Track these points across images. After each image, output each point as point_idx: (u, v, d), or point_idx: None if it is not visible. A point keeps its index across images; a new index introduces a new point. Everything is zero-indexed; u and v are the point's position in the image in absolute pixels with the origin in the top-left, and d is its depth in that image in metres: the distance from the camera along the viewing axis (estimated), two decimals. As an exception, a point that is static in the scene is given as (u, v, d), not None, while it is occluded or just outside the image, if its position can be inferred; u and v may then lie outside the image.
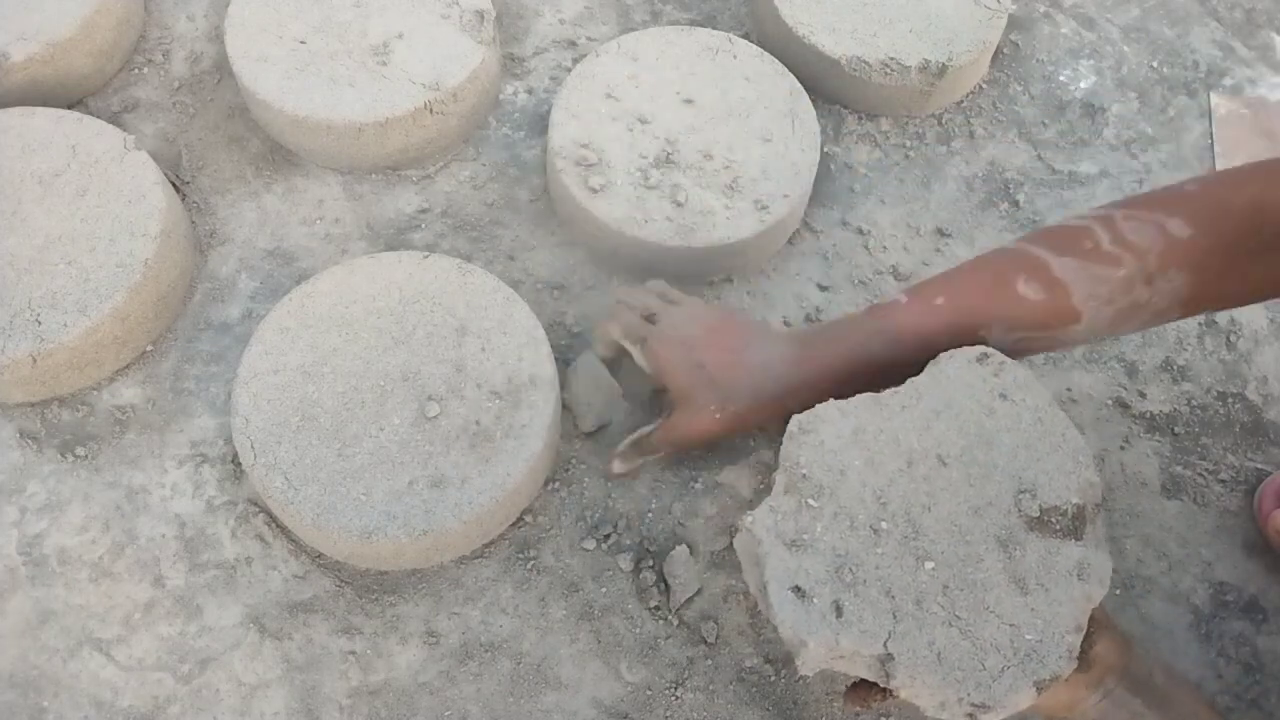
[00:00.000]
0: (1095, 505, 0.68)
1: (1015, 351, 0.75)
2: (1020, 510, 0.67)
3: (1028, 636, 0.63)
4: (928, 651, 0.63)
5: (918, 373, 0.73)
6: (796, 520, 0.66)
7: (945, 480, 0.68)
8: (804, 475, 0.68)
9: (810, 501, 0.67)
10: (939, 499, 0.67)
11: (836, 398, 0.72)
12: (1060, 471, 0.69)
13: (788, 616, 0.64)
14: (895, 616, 0.64)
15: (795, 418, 0.70)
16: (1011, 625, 0.64)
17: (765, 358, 0.79)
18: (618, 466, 0.91)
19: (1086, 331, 0.74)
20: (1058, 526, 0.67)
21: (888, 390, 0.72)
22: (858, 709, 0.72)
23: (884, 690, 0.68)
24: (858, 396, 0.72)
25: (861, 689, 0.71)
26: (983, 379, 0.72)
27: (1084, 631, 0.64)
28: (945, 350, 0.73)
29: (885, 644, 0.63)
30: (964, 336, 0.74)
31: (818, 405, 0.71)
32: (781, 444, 0.70)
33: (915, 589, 0.64)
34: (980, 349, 0.73)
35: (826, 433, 0.69)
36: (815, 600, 0.64)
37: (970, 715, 0.62)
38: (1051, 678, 0.62)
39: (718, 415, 0.81)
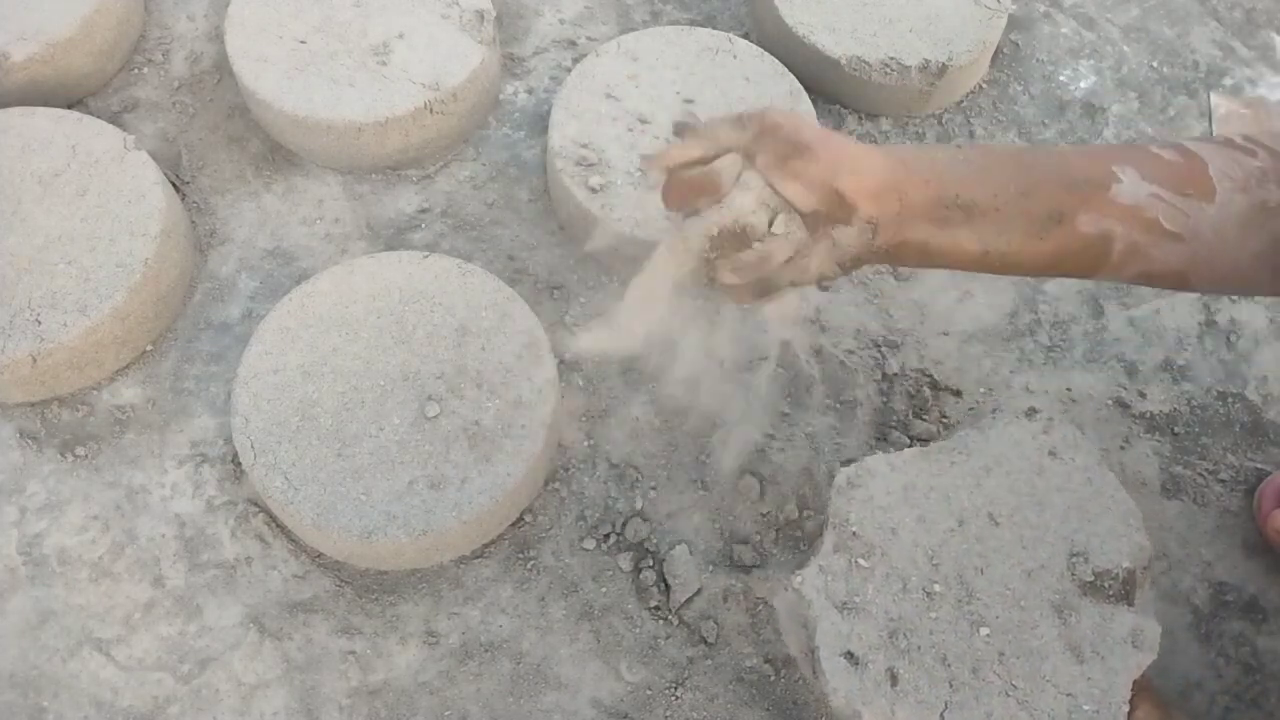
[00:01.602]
0: (1144, 569, 0.67)
1: (1142, 228, 0.66)
2: (1074, 574, 0.66)
3: (1085, 707, 0.62)
4: None
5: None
6: (848, 581, 0.64)
7: (998, 541, 0.66)
8: (854, 533, 0.66)
9: (861, 561, 0.65)
10: (992, 560, 0.66)
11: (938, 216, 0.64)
12: (1111, 534, 0.68)
13: (841, 684, 0.61)
14: (951, 686, 0.62)
15: (843, 471, 0.67)
16: (1069, 695, 0.62)
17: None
18: (729, 277, 0.67)
19: (1218, 220, 0.66)
20: (1110, 591, 0.66)
21: (934, 444, 0.70)
22: None
23: None
24: (906, 451, 0.69)
25: None
26: (1032, 435, 0.70)
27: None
28: (1070, 174, 0.65)
29: (942, 715, 0.61)
30: (1095, 168, 0.66)
31: (866, 459, 0.68)
32: (830, 499, 0.68)
33: (971, 656, 0.63)
34: (1028, 409, 0.70)
35: (876, 488, 0.67)
36: (869, 667, 0.62)
37: None
38: None
39: (879, 166, 0.64)
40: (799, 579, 0.65)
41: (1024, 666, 0.63)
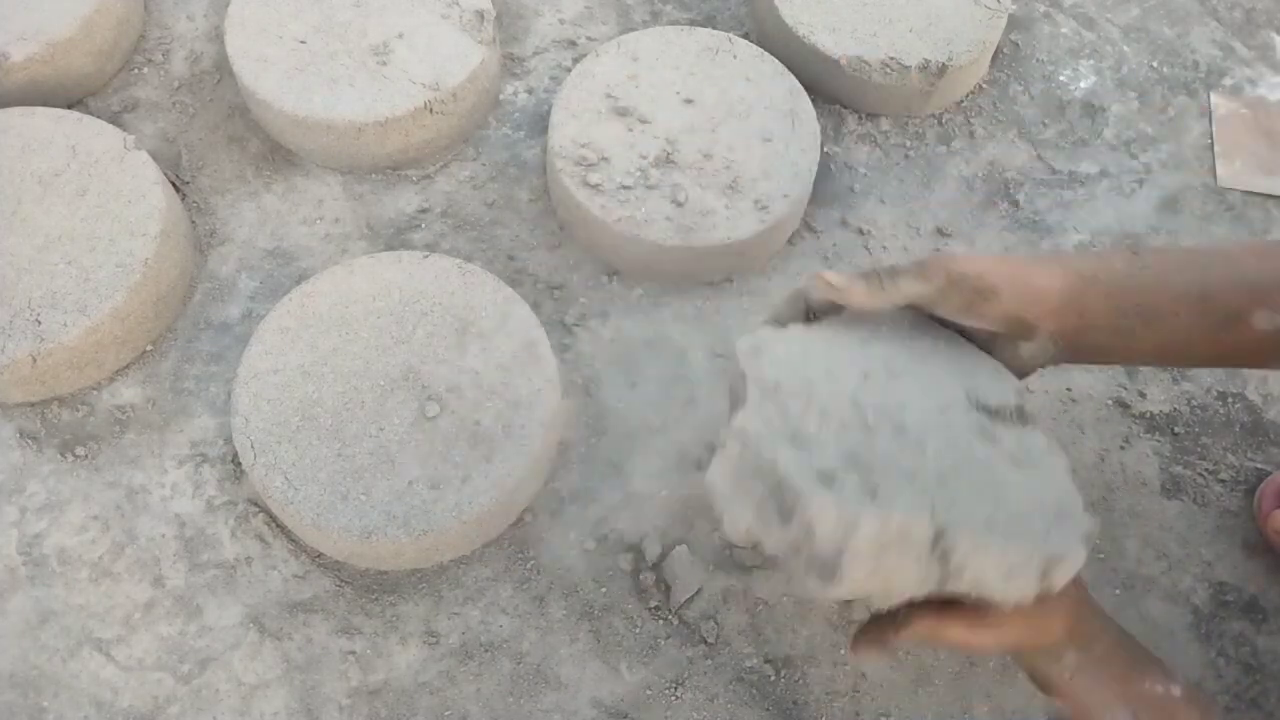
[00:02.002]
0: (1029, 408, 0.69)
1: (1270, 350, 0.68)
2: (979, 407, 0.67)
3: (1048, 498, 0.63)
4: (976, 519, 0.59)
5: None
6: (786, 421, 0.62)
7: (903, 387, 0.67)
8: (776, 384, 0.64)
9: (791, 404, 0.64)
10: (906, 401, 0.66)
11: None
12: (993, 380, 0.69)
13: (828, 504, 0.57)
14: (928, 494, 0.60)
15: (742, 340, 0.67)
16: (1030, 495, 0.62)
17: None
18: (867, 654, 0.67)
19: None
20: (1014, 418, 0.67)
21: (815, 324, 0.70)
22: (871, 655, 0.67)
23: (898, 625, 0.65)
24: (792, 326, 0.69)
25: (871, 630, 0.67)
26: (893, 315, 0.71)
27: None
28: (1246, 273, 0.67)
29: (933, 512, 0.58)
30: (1265, 267, 0.68)
31: (759, 330, 0.68)
32: (739, 362, 0.66)
33: (931, 469, 0.62)
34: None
35: (779, 352, 0.67)
36: (846, 484, 0.59)
37: (1044, 574, 0.59)
38: (1089, 533, 0.61)
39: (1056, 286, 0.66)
40: (739, 421, 0.62)
41: (981, 475, 0.63)
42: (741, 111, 1.07)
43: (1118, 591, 0.93)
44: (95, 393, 0.97)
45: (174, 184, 1.07)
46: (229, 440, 0.94)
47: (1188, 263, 0.69)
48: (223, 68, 1.16)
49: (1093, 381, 1.04)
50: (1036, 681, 0.69)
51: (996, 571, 0.59)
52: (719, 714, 0.86)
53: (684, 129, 1.06)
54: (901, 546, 0.58)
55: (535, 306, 0.99)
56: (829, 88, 1.17)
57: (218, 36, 1.17)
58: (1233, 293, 0.67)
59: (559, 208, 1.08)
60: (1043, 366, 0.70)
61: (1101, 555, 0.95)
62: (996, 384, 0.70)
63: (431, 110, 1.06)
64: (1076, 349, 0.69)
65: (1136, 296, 0.67)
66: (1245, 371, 1.06)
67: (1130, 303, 0.67)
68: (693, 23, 1.24)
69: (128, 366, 0.99)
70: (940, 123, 1.19)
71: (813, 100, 1.10)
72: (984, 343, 0.71)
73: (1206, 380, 1.05)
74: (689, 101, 1.08)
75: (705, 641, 0.88)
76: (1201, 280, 0.68)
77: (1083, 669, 0.66)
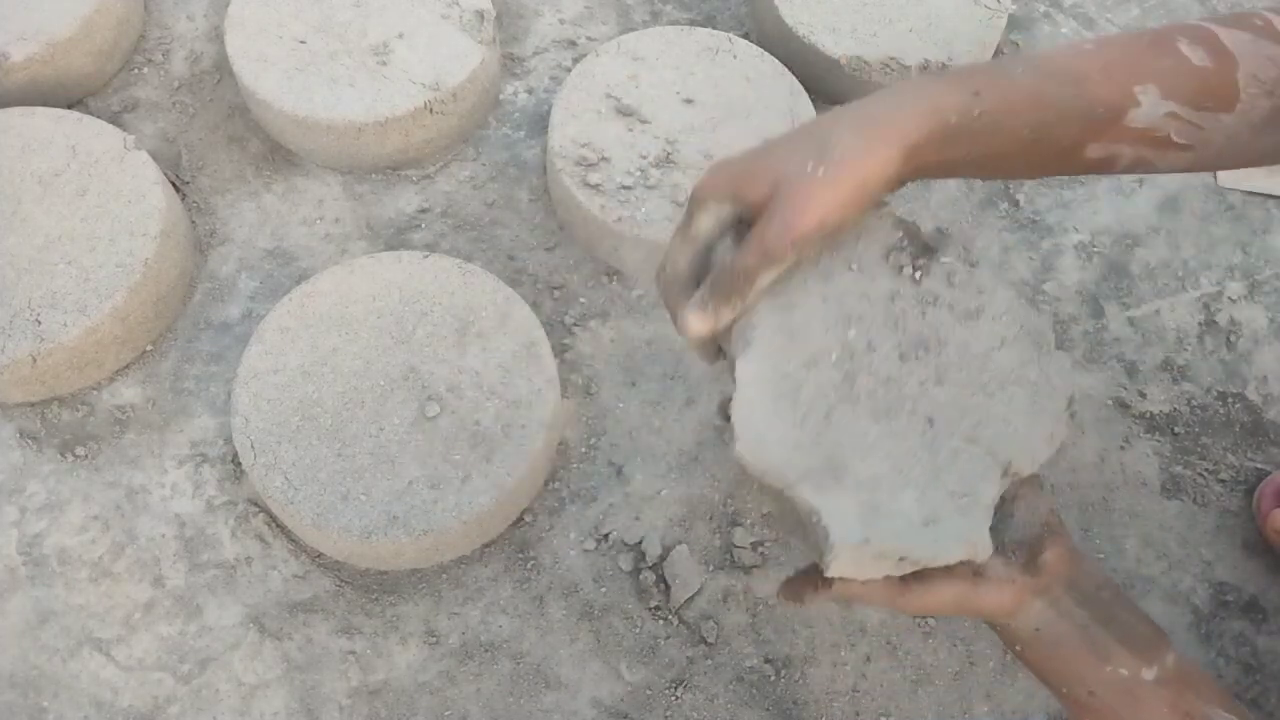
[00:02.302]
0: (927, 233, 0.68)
1: (1151, 145, 0.66)
2: (901, 271, 0.67)
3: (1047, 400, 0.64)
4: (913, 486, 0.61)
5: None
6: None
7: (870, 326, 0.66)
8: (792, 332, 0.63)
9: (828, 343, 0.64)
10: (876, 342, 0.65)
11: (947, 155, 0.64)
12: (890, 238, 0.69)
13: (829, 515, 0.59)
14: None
15: (737, 326, 0.63)
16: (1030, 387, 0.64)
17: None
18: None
19: (1233, 128, 0.65)
20: (929, 257, 0.68)
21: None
22: (795, 600, 0.67)
23: (820, 585, 0.65)
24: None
25: (797, 581, 0.67)
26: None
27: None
28: (1087, 105, 0.64)
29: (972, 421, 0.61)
30: (1115, 92, 0.65)
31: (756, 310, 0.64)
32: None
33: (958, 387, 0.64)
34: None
35: (773, 323, 0.65)
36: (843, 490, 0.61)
37: (974, 544, 0.60)
38: (1070, 405, 0.62)
39: (821, 171, 0.59)
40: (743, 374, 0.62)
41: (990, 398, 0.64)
42: (741, 111, 1.07)
43: (1118, 591, 0.93)
44: (95, 393, 0.97)
45: (174, 184, 1.07)
46: (229, 440, 0.94)
47: (1027, 101, 0.65)
48: (223, 68, 1.16)
49: (1093, 382, 1.04)
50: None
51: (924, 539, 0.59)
52: (719, 714, 0.86)
53: (684, 129, 1.06)
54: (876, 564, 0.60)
55: (535, 306, 0.99)
56: (829, 88, 1.17)
57: (218, 36, 1.17)
58: (1068, 129, 0.65)
59: (559, 208, 1.08)
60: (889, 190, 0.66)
61: (1101, 555, 0.95)
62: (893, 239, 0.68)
63: (431, 110, 1.06)
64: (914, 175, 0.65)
65: (968, 145, 0.64)
66: (1245, 371, 1.06)
67: (960, 151, 0.64)
68: (693, 23, 1.24)
69: (128, 366, 0.99)
70: (940, 123, 1.19)
71: (813, 100, 1.10)
72: None
73: (1206, 380, 1.05)
74: (689, 101, 1.08)
75: (705, 641, 0.88)
76: (1037, 121, 0.64)
77: (1032, 646, 0.65)
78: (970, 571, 0.61)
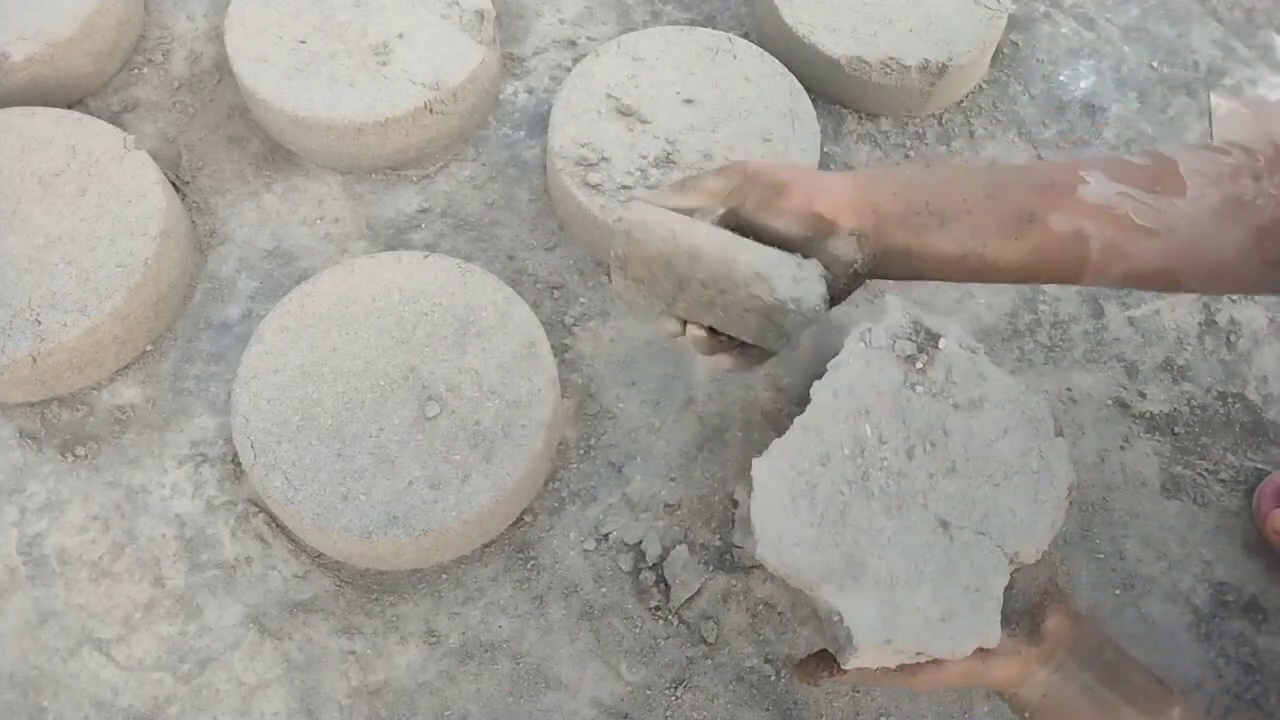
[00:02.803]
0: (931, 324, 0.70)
1: (1114, 224, 0.69)
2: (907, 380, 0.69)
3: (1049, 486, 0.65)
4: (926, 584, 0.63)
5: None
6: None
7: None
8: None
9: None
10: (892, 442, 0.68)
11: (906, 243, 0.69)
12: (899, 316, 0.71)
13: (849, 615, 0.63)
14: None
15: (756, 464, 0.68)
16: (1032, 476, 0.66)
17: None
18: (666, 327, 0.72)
19: (1192, 214, 0.68)
20: (930, 348, 0.70)
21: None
22: (808, 682, 0.72)
23: (834, 669, 0.68)
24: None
25: (811, 664, 0.71)
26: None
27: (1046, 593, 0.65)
28: (1037, 177, 0.69)
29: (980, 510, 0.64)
30: (1063, 172, 0.70)
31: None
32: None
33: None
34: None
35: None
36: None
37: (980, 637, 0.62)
38: (1055, 520, 0.63)
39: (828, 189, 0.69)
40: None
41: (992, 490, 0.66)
42: (741, 111, 1.07)
43: (1118, 591, 0.93)
44: (95, 393, 0.97)
45: (174, 184, 1.07)
46: (229, 440, 0.94)
47: (978, 169, 0.72)
48: (223, 68, 1.16)
49: (1093, 382, 1.04)
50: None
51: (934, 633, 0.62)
52: (719, 714, 0.86)
53: (684, 129, 1.06)
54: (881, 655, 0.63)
55: (535, 306, 0.99)
56: (829, 88, 1.17)
57: (218, 36, 1.17)
58: (1023, 193, 0.69)
59: (559, 208, 1.08)
60: (861, 272, 0.71)
61: (1101, 555, 0.95)
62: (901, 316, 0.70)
63: (431, 110, 1.06)
64: (886, 253, 0.70)
65: (925, 194, 0.69)
66: (1245, 371, 1.06)
67: (920, 200, 0.69)
68: (693, 23, 1.24)
69: (128, 366, 0.99)
70: (940, 123, 1.19)
71: (813, 100, 1.10)
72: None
73: (1206, 380, 1.05)
74: (689, 101, 1.08)
75: (705, 641, 0.88)
76: (989, 181, 0.70)
77: (1041, 712, 0.67)
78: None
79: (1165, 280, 0.70)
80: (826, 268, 0.69)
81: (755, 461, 0.64)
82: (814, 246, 0.69)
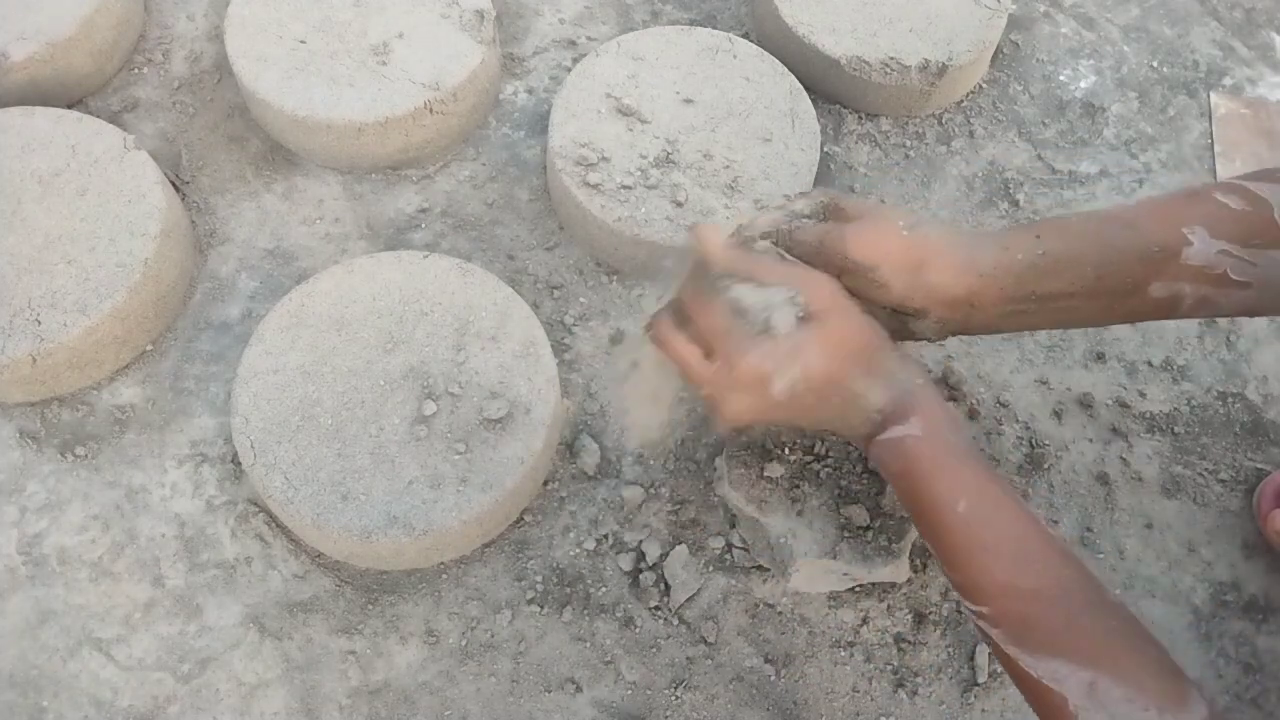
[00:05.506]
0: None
1: (1210, 283, 0.69)
2: None
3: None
4: None
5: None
6: None
7: None
8: None
9: None
10: None
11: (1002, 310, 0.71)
12: None
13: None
14: None
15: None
16: None
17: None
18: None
19: None
20: None
21: None
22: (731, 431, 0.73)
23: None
24: None
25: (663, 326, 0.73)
26: None
27: None
28: (1144, 243, 0.69)
29: None
30: (1168, 233, 0.69)
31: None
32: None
33: None
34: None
35: None
36: None
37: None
38: None
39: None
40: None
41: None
42: (741, 111, 1.07)
43: (1118, 591, 0.93)
44: (95, 393, 0.97)
45: (174, 184, 1.07)
46: (229, 440, 0.94)
47: (1090, 239, 0.71)
48: (223, 68, 1.16)
49: (1093, 381, 1.04)
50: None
51: None
52: (719, 714, 0.86)
53: (684, 129, 1.06)
54: None
55: (535, 306, 0.99)
56: (829, 88, 1.17)
57: (218, 36, 1.17)
58: (1129, 268, 0.69)
59: (559, 207, 1.08)
60: (931, 341, 0.73)
61: (1101, 555, 0.95)
62: None
63: (431, 110, 1.06)
64: (967, 328, 0.72)
65: (1034, 284, 0.69)
66: (1245, 371, 1.06)
67: (1026, 290, 0.70)
68: (693, 23, 1.24)
69: (128, 366, 0.99)
70: (940, 122, 1.19)
71: (813, 100, 1.10)
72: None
73: (1206, 380, 1.05)
74: (689, 101, 1.08)
75: (705, 641, 0.88)
76: (1099, 259, 0.70)
77: (917, 455, 0.67)
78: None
79: (1244, 314, 0.73)
80: (893, 330, 0.71)
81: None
82: (898, 322, 0.72)
